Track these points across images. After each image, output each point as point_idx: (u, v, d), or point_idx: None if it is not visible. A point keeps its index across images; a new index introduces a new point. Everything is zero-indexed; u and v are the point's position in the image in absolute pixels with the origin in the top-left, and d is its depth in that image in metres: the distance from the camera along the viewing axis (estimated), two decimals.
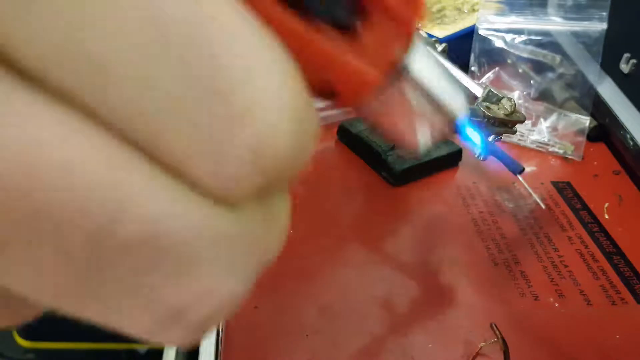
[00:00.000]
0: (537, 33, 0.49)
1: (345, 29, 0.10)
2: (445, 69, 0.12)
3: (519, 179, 0.30)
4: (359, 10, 0.10)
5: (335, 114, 0.46)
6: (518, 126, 0.37)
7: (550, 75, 0.48)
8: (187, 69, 0.07)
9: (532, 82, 0.48)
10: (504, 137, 0.36)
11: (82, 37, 0.07)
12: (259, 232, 0.09)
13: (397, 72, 0.11)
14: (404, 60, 0.11)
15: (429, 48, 0.11)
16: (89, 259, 0.07)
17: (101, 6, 0.07)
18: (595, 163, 0.45)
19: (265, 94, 0.08)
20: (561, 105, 0.47)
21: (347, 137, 0.43)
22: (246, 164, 0.08)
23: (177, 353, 0.36)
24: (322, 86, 0.10)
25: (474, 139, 0.20)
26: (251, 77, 0.08)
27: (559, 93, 0.48)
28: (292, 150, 0.08)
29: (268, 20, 0.08)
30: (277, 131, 0.08)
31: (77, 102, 0.07)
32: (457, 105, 0.12)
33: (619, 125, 0.45)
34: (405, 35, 0.10)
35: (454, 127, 0.12)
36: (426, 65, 0.11)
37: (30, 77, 0.07)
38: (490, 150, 0.32)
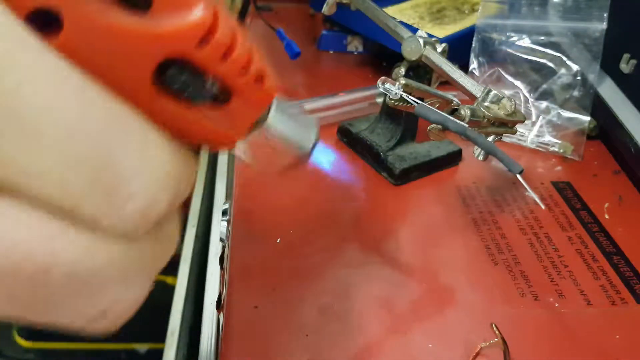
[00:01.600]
0: (537, 33, 0.49)
1: (219, 101, 0.14)
2: (298, 116, 0.17)
3: (519, 179, 0.30)
4: (223, 90, 0.14)
5: (335, 114, 0.46)
6: (518, 126, 0.37)
7: (550, 75, 0.48)
8: (99, 174, 0.11)
9: (532, 82, 0.48)
10: (504, 137, 0.36)
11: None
12: (152, 251, 0.13)
13: (258, 126, 0.16)
14: (262, 118, 0.16)
15: (282, 105, 0.16)
16: (31, 296, 0.11)
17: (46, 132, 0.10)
18: (595, 163, 0.45)
19: (147, 182, 0.12)
20: (561, 105, 0.47)
21: (347, 137, 0.43)
22: (137, 221, 0.12)
23: (177, 353, 0.36)
24: (198, 142, 0.15)
25: (322, 161, 0.23)
26: (139, 175, 0.12)
27: (559, 93, 0.48)
28: (171, 205, 0.13)
29: (149, 106, 0.13)
30: (154, 204, 0.12)
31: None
32: (306, 142, 0.17)
33: (619, 125, 0.45)
34: (260, 104, 0.15)
35: (309, 156, 0.18)
36: (280, 119, 0.16)
37: None
38: (490, 150, 0.32)
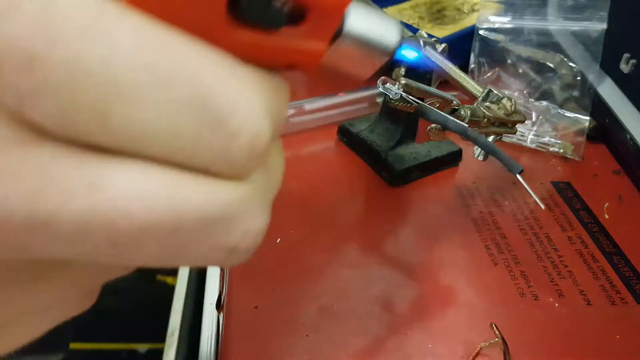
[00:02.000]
0: (537, 33, 0.49)
1: (296, 18, 0.14)
2: (378, 13, 0.16)
3: (518, 179, 0.30)
4: (298, 7, 0.14)
5: (335, 113, 0.46)
6: (518, 126, 0.37)
7: (550, 75, 0.48)
8: (200, 118, 0.11)
9: (532, 82, 0.48)
10: (504, 137, 0.36)
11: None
12: (266, 180, 0.14)
13: (338, 34, 0.15)
14: (341, 26, 0.15)
15: (359, 8, 0.15)
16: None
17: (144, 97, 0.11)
18: (595, 163, 0.45)
19: (248, 114, 0.12)
20: (561, 105, 0.47)
21: (347, 137, 0.43)
22: (245, 159, 0.12)
23: (177, 353, 0.36)
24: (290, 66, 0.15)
25: (412, 58, 0.22)
26: (237, 108, 0.12)
27: (559, 93, 0.48)
28: (274, 131, 0.13)
29: (228, 40, 0.13)
30: (259, 135, 0.12)
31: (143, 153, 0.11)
32: (390, 40, 0.16)
33: (619, 125, 0.45)
34: (336, 13, 0.15)
35: (394, 56, 0.17)
36: (359, 20, 0.15)
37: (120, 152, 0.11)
38: (490, 150, 0.32)
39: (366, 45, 0.16)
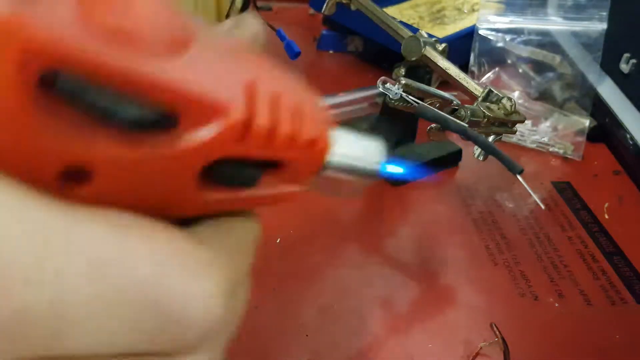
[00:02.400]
0: (537, 33, 0.49)
1: (273, 168, 0.13)
2: (358, 136, 0.16)
3: (518, 179, 0.30)
4: (274, 165, 0.13)
5: (335, 114, 0.46)
6: (518, 126, 0.37)
7: (550, 75, 0.48)
8: (154, 323, 0.11)
9: (532, 82, 0.48)
10: (504, 137, 0.36)
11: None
12: (224, 336, 0.14)
13: (322, 170, 0.15)
14: (321, 168, 0.15)
15: (340, 144, 0.15)
16: None
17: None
18: (595, 163, 0.45)
19: (201, 304, 0.12)
20: (561, 105, 0.47)
21: None
22: (202, 339, 0.12)
23: None
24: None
25: (398, 173, 0.22)
26: (190, 302, 0.12)
27: (559, 93, 0.48)
28: (231, 301, 0.13)
29: (201, 205, 0.13)
30: (214, 317, 0.12)
31: None
32: (373, 165, 0.16)
33: (619, 125, 0.45)
34: (315, 163, 0.14)
35: (380, 177, 0.16)
36: (341, 150, 0.15)
37: None
38: (490, 150, 0.32)
39: (350, 172, 0.15)
